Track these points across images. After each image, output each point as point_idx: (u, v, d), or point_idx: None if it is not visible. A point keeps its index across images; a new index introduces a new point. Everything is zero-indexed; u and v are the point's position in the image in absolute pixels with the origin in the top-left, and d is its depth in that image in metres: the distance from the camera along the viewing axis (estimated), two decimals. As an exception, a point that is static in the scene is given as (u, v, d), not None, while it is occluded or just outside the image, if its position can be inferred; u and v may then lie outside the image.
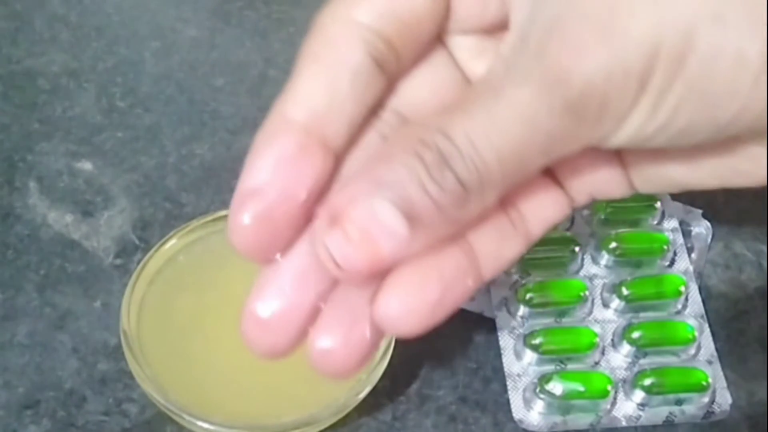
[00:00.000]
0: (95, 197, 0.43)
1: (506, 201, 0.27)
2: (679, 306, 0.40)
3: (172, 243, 0.39)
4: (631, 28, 0.23)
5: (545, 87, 0.23)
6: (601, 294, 0.40)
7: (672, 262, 0.41)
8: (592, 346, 0.38)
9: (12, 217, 0.42)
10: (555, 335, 0.38)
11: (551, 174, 0.29)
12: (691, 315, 0.40)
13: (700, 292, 0.41)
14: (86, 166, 0.44)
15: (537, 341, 0.38)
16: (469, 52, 0.28)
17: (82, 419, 0.37)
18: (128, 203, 0.43)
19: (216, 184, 0.44)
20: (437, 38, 0.28)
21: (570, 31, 0.23)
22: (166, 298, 0.38)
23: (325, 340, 0.26)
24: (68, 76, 0.47)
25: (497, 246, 0.27)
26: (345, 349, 0.26)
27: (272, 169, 0.25)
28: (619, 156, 0.28)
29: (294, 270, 0.26)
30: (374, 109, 0.27)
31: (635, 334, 0.38)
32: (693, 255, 0.41)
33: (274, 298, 0.26)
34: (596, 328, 0.39)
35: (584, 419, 0.37)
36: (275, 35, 0.50)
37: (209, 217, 0.39)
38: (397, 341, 0.36)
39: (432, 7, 0.27)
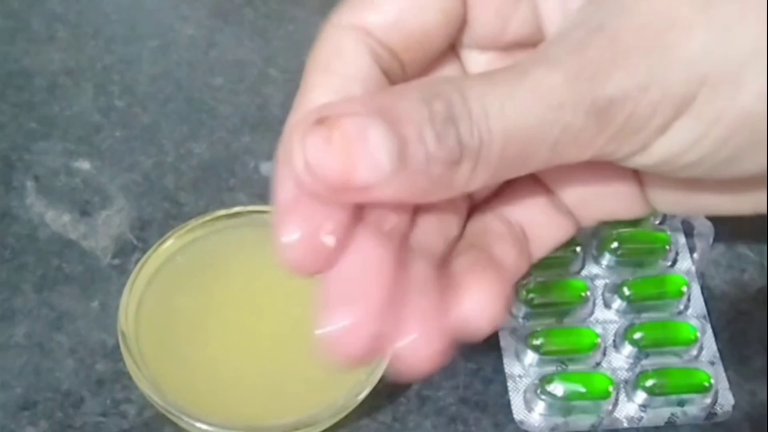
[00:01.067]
0: (93, 197, 0.43)
1: (508, 217, 0.27)
2: (681, 306, 0.40)
3: (170, 243, 0.38)
4: (681, 48, 0.22)
5: (577, 79, 0.22)
6: (603, 294, 0.40)
7: (674, 262, 0.41)
8: (594, 346, 0.38)
9: (9, 216, 0.42)
10: (556, 336, 0.38)
11: (556, 195, 0.28)
12: (693, 315, 0.40)
13: (702, 293, 0.40)
14: (84, 165, 0.44)
15: (538, 342, 0.38)
16: (481, 66, 0.28)
17: (79, 420, 0.37)
18: (126, 203, 0.43)
19: (215, 184, 0.44)
20: (451, 50, 0.28)
21: (618, 35, 0.22)
22: (165, 298, 0.37)
23: (403, 340, 0.24)
24: (66, 75, 0.47)
25: (516, 260, 0.26)
26: (424, 348, 0.24)
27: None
28: (636, 175, 0.27)
29: (354, 278, 0.25)
30: None
31: (637, 335, 0.38)
32: (695, 255, 0.41)
33: (344, 312, 0.25)
34: (598, 329, 0.38)
35: (585, 420, 0.37)
36: (274, 34, 0.50)
37: (208, 217, 0.39)
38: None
39: (443, 21, 0.26)
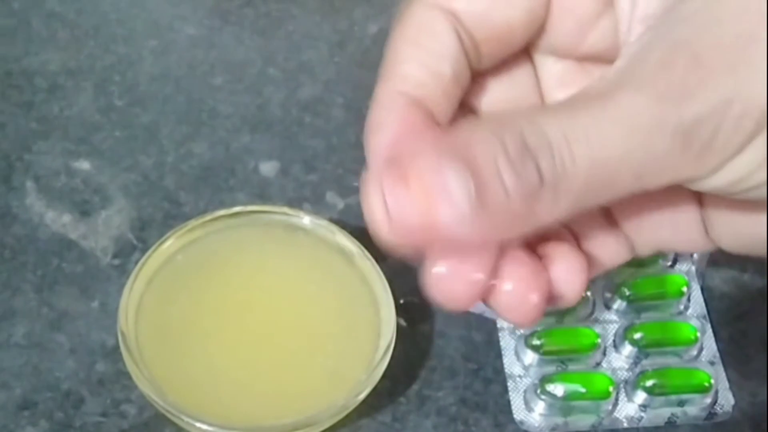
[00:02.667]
0: (93, 197, 0.43)
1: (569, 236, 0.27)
2: (681, 306, 0.40)
3: (170, 243, 0.38)
4: (761, 62, 0.22)
5: (663, 100, 0.22)
6: (603, 294, 0.40)
7: (674, 262, 0.41)
8: (594, 346, 0.38)
9: (9, 216, 0.42)
10: (556, 336, 0.38)
11: (615, 219, 0.28)
12: (694, 315, 0.40)
13: (703, 293, 0.40)
14: (84, 165, 0.44)
15: (538, 342, 0.38)
16: (555, 77, 0.28)
17: (79, 420, 0.37)
18: (126, 203, 0.43)
19: (214, 184, 0.44)
20: (525, 54, 0.28)
21: (701, 53, 0.22)
22: (165, 298, 0.37)
23: (508, 284, 0.25)
24: (66, 75, 0.47)
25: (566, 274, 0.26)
26: (523, 298, 0.25)
27: (398, 140, 0.24)
28: (698, 203, 0.27)
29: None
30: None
31: (637, 335, 0.38)
32: (695, 255, 0.41)
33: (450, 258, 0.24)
34: (597, 329, 0.38)
35: (585, 420, 0.37)
36: (274, 34, 0.50)
37: (208, 217, 0.39)
38: (396, 342, 0.36)
39: (526, 20, 0.26)
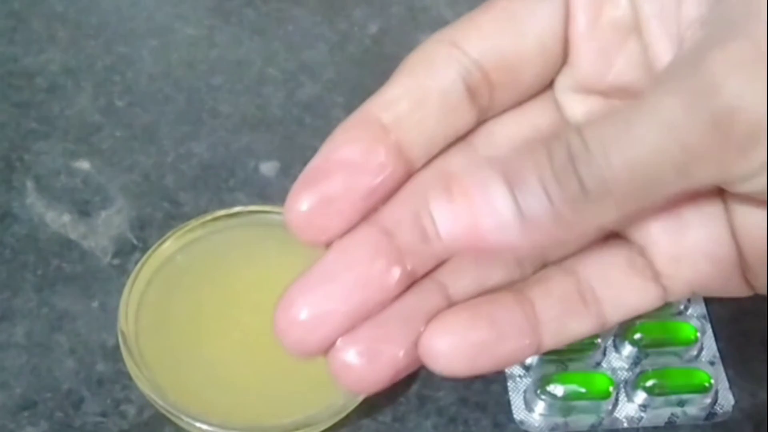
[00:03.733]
0: (93, 197, 0.43)
1: (577, 273, 0.26)
2: (681, 306, 0.40)
3: (170, 243, 0.38)
4: None
5: (693, 95, 0.22)
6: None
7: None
8: (594, 346, 0.38)
9: (9, 216, 0.42)
10: (556, 336, 0.38)
11: (644, 252, 0.27)
12: (694, 315, 0.40)
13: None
14: (84, 165, 0.44)
15: (538, 342, 0.38)
16: (580, 114, 0.27)
17: (79, 420, 0.37)
18: (126, 203, 0.43)
19: (214, 184, 0.44)
20: (549, 97, 0.27)
21: (731, 46, 0.22)
22: (165, 298, 0.37)
23: (349, 353, 0.24)
24: (66, 74, 0.47)
25: (560, 316, 0.25)
26: (368, 367, 0.24)
27: (342, 157, 0.24)
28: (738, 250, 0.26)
29: (340, 267, 0.25)
30: (462, 142, 0.27)
31: (637, 335, 0.38)
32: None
33: (313, 297, 0.25)
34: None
35: (585, 420, 0.37)
36: (274, 33, 0.50)
37: (208, 217, 0.39)
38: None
39: (539, 52, 0.26)
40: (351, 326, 0.24)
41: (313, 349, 0.25)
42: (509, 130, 0.27)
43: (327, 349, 0.24)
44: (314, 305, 0.24)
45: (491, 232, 0.22)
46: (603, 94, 0.27)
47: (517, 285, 0.26)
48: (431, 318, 0.24)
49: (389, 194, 0.25)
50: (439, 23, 0.50)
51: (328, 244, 0.25)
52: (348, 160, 0.24)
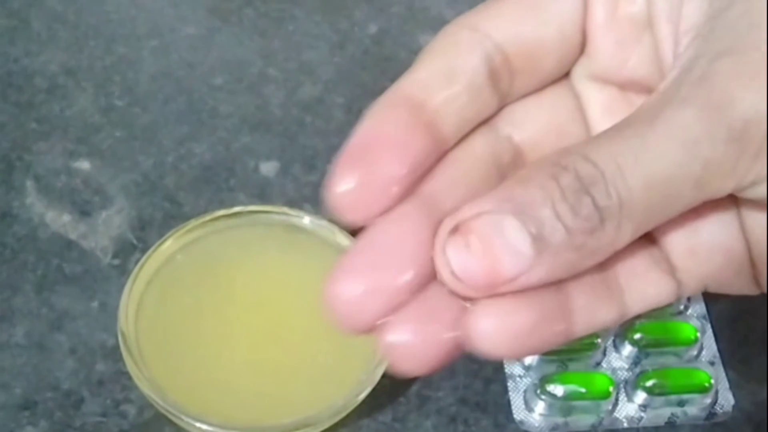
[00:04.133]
0: (93, 197, 0.43)
1: (604, 263, 0.26)
2: (681, 306, 0.40)
3: (170, 243, 0.38)
4: None
5: (709, 110, 0.22)
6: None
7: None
8: (594, 346, 0.38)
9: (9, 216, 0.42)
10: (556, 336, 0.38)
11: (661, 246, 0.27)
12: (694, 315, 0.40)
13: (702, 293, 0.40)
14: (84, 165, 0.44)
15: (538, 342, 0.38)
16: (601, 105, 0.28)
17: (79, 420, 0.37)
18: (126, 203, 0.43)
19: (215, 184, 0.44)
20: (566, 85, 0.28)
21: (742, 59, 0.22)
22: (165, 298, 0.37)
23: (399, 333, 0.24)
24: (66, 75, 0.47)
25: (590, 302, 0.25)
26: (419, 347, 0.24)
27: (382, 135, 0.24)
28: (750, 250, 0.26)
29: (386, 242, 0.24)
30: (484, 125, 0.27)
31: (637, 335, 0.38)
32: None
33: (360, 274, 0.24)
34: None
35: (585, 420, 0.37)
36: (274, 34, 0.50)
37: (208, 217, 0.39)
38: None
39: (558, 40, 0.26)
40: (400, 303, 0.24)
41: (363, 326, 0.24)
42: (530, 116, 0.27)
43: (376, 326, 0.24)
44: (363, 281, 0.24)
45: (512, 272, 0.22)
46: (619, 86, 0.27)
47: None
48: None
49: (426, 172, 0.25)
50: (439, 23, 0.50)
51: (371, 223, 0.24)
52: (388, 138, 0.24)
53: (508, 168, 0.26)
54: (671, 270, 0.26)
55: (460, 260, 0.22)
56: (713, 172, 0.22)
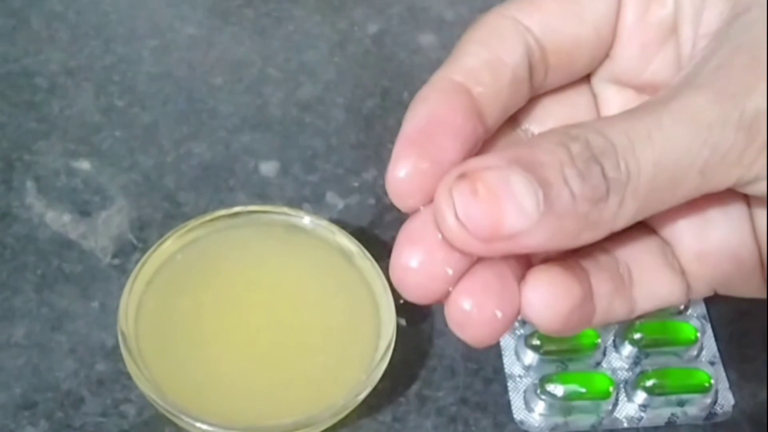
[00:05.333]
0: (93, 197, 0.43)
1: (615, 255, 0.26)
2: (681, 306, 0.40)
3: (170, 243, 0.38)
4: None
5: (723, 96, 0.22)
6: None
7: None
8: (594, 346, 0.38)
9: (9, 216, 0.42)
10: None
11: (672, 247, 0.27)
12: (694, 315, 0.40)
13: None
14: (84, 165, 0.44)
15: (538, 342, 0.38)
16: (617, 107, 0.28)
17: (79, 420, 0.37)
18: (126, 203, 0.43)
19: (214, 184, 0.44)
20: (586, 86, 0.28)
21: (759, 54, 0.22)
22: (165, 298, 0.37)
23: (466, 303, 0.24)
24: (66, 74, 0.47)
25: (611, 292, 0.25)
26: (484, 317, 0.24)
27: (438, 120, 0.24)
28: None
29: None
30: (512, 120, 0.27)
31: (637, 335, 0.38)
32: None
33: (421, 247, 0.24)
34: (598, 329, 0.38)
35: (585, 420, 0.37)
36: (274, 33, 0.50)
37: (208, 217, 0.39)
38: (396, 342, 0.36)
39: (594, 39, 0.26)
40: (461, 275, 0.24)
41: (430, 296, 0.24)
42: (549, 111, 0.28)
43: (443, 297, 0.24)
44: (427, 252, 0.24)
45: (514, 228, 0.22)
46: (637, 89, 0.27)
47: (573, 255, 0.26)
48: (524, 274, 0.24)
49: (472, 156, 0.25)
50: (439, 23, 0.50)
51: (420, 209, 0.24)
52: (447, 123, 0.24)
53: None
54: (682, 272, 0.26)
55: (465, 204, 0.22)
56: (719, 159, 0.22)
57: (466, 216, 0.22)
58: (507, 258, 0.24)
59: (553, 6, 0.26)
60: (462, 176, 0.22)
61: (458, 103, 0.25)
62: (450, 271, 0.24)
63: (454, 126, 0.24)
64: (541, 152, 0.22)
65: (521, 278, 0.24)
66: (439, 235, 0.23)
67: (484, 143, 0.26)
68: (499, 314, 0.24)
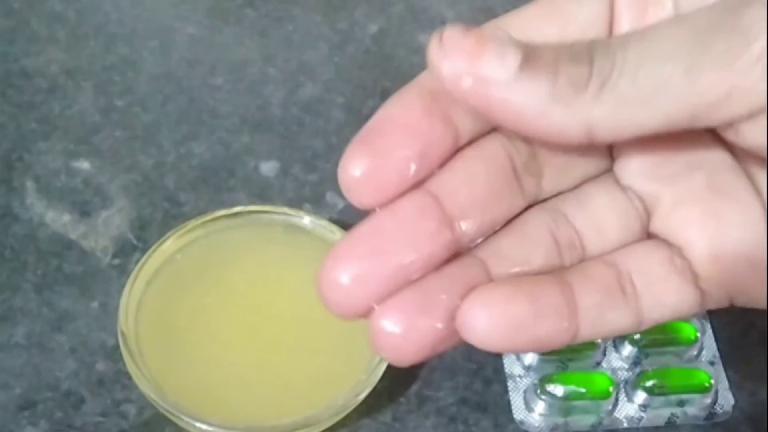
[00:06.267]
0: (93, 197, 0.43)
1: (618, 266, 0.26)
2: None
3: (170, 243, 0.38)
4: None
5: (722, 7, 0.22)
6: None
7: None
8: (594, 346, 0.38)
9: (9, 216, 0.42)
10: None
11: (684, 251, 0.26)
12: (694, 315, 0.40)
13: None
14: (84, 165, 0.44)
15: (538, 342, 0.38)
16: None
17: (79, 420, 0.37)
18: (126, 203, 0.43)
19: (214, 184, 0.44)
20: None
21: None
22: (165, 298, 0.37)
23: (388, 321, 0.23)
24: (66, 75, 0.47)
25: (599, 304, 0.25)
26: (407, 337, 0.24)
27: (396, 120, 0.24)
28: None
29: (387, 228, 0.24)
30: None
31: (637, 335, 0.38)
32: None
33: (357, 259, 0.24)
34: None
35: (585, 420, 0.37)
36: (274, 34, 0.50)
37: (208, 217, 0.39)
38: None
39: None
40: (393, 291, 0.24)
41: (354, 312, 0.24)
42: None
43: (368, 312, 0.24)
44: (357, 266, 0.24)
45: (490, 68, 0.22)
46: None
47: (558, 270, 0.25)
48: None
49: (438, 162, 0.25)
50: (439, 23, 0.50)
51: (380, 207, 0.24)
52: (400, 122, 0.24)
53: (522, 169, 0.26)
54: (694, 279, 0.25)
55: (453, 34, 0.22)
56: (711, 63, 0.22)
57: (450, 42, 0.22)
58: (449, 276, 0.24)
59: (537, 14, 0.26)
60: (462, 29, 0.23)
61: (415, 103, 0.25)
62: (378, 288, 0.23)
63: (407, 123, 0.24)
64: (542, 45, 0.23)
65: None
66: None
67: (470, 152, 0.26)
68: (424, 330, 0.24)
